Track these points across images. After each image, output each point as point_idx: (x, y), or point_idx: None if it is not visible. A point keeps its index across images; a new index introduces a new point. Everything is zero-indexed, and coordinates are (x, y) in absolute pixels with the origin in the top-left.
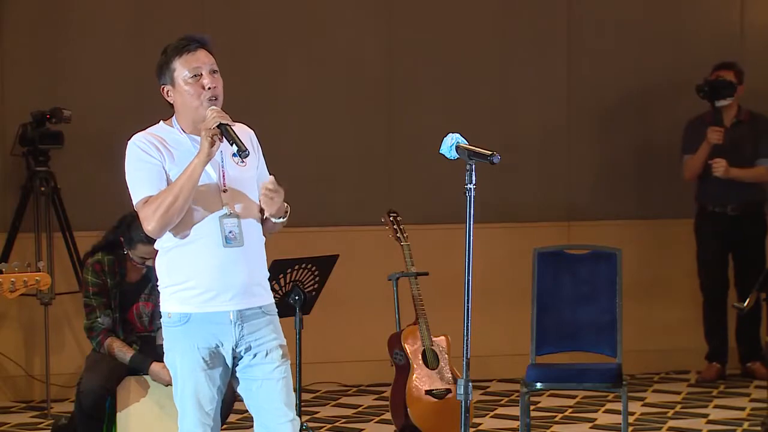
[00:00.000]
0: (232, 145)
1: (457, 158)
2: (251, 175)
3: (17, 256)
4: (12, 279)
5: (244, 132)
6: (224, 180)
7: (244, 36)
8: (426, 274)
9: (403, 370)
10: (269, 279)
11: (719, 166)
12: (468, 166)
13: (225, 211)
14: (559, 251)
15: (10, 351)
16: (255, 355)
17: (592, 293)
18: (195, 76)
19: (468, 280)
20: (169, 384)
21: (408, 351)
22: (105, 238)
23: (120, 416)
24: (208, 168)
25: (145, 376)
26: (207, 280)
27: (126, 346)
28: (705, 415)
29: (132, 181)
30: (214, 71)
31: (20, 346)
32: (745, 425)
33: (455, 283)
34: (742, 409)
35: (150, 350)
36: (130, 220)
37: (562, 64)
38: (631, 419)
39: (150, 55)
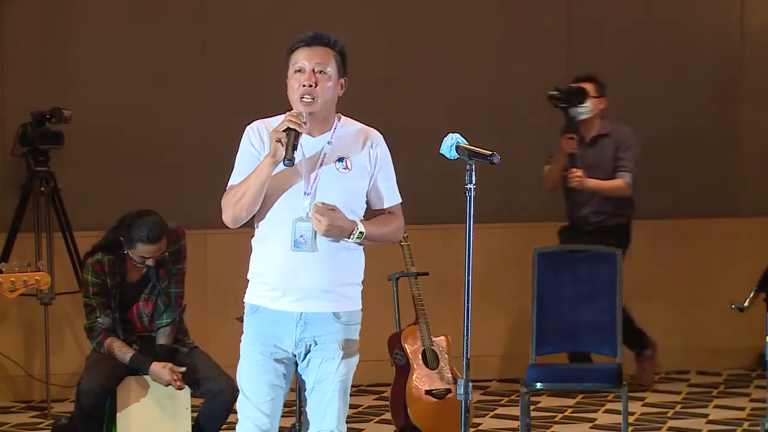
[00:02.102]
0: (286, 150)
1: (457, 158)
2: (356, 185)
3: (17, 256)
4: (12, 279)
5: (359, 137)
6: (313, 184)
7: (242, 36)
8: (426, 274)
9: (403, 370)
10: None
11: (574, 177)
12: (468, 166)
13: (301, 214)
14: (559, 251)
15: (10, 351)
16: (310, 361)
17: (592, 293)
18: (297, 71)
19: (468, 280)
20: (169, 384)
21: (408, 351)
22: (105, 238)
23: (120, 416)
24: (300, 169)
25: (145, 376)
26: (275, 279)
27: (126, 346)
28: (705, 415)
29: (234, 168)
30: (321, 71)
31: (20, 346)
32: (745, 425)
33: (455, 283)
34: (742, 409)
35: (150, 350)
36: (130, 220)
37: (562, 64)
38: (631, 419)
39: (150, 55)
